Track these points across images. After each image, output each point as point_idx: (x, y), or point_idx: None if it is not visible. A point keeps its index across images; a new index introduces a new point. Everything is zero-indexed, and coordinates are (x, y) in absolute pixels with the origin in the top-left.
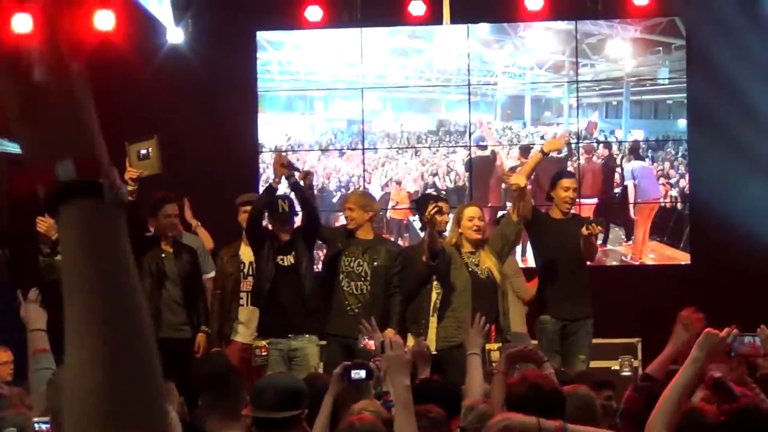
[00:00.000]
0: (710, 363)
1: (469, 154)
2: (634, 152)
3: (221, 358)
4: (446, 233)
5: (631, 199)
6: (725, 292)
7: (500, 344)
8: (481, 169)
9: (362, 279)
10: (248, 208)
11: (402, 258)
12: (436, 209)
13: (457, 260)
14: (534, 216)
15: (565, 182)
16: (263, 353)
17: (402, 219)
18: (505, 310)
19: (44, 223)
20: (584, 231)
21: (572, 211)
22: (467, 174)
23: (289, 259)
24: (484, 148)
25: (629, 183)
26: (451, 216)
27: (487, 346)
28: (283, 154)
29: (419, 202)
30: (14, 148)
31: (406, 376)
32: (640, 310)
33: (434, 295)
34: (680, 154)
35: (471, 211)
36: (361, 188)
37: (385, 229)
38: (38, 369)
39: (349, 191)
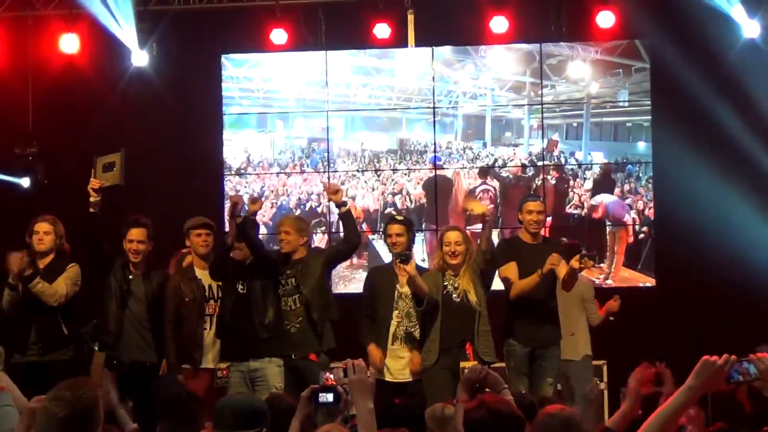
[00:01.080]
0: (708, 391)
1: (435, 175)
2: (605, 182)
3: (176, 382)
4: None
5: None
6: (690, 315)
7: (475, 363)
8: (439, 189)
9: (295, 292)
10: (199, 231)
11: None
12: (399, 260)
13: (439, 286)
14: (500, 245)
15: (530, 205)
16: (224, 375)
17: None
18: (480, 331)
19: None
20: (575, 265)
21: (543, 236)
22: (424, 194)
23: (245, 287)
24: (443, 168)
25: (599, 206)
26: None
27: (462, 364)
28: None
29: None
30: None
31: (370, 399)
32: (606, 333)
33: (394, 324)
34: (641, 176)
35: (449, 236)
36: (322, 206)
37: None
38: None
39: (284, 215)
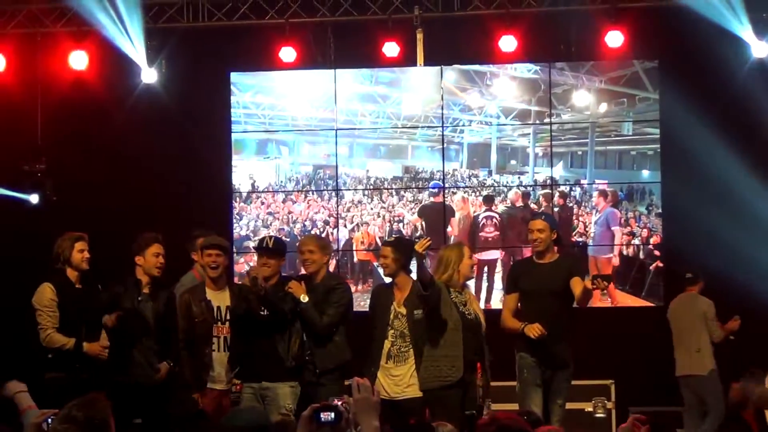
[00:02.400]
0: None
1: (444, 200)
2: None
3: (191, 402)
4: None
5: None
6: None
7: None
8: (437, 215)
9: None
10: (210, 252)
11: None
12: (429, 243)
13: (446, 298)
14: (510, 269)
15: (530, 224)
16: (237, 390)
17: (367, 262)
18: (485, 351)
19: None
20: (589, 285)
21: (560, 253)
22: (419, 221)
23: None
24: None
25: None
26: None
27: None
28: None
29: (398, 244)
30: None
31: (375, 417)
32: (614, 352)
33: (387, 344)
34: (647, 203)
35: (468, 251)
36: (326, 233)
37: (349, 274)
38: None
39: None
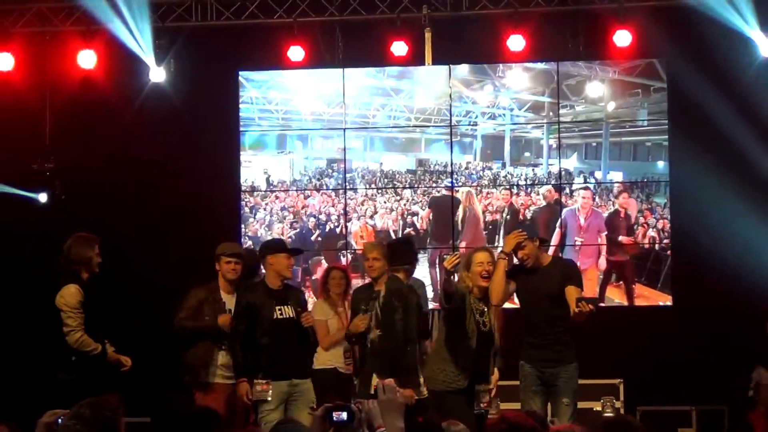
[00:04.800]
0: None
1: (451, 193)
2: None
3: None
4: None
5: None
6: (706, 334)
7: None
8: (446, 208)
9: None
10: (229, 259)
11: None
12: (458, 260)
13: (468, 305)
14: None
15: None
16: (264, 389)
17: None
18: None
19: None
20: (574, 310)
21: (549, 258)
22: (430, 213)
23: (287, 311)
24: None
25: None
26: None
27: (477, 387)
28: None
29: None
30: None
31: (399, 418)
32: (623, 351)
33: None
34: (661, 195)
35: (481, 256)
36: (341, 227)
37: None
38: None
39: (366, 242)
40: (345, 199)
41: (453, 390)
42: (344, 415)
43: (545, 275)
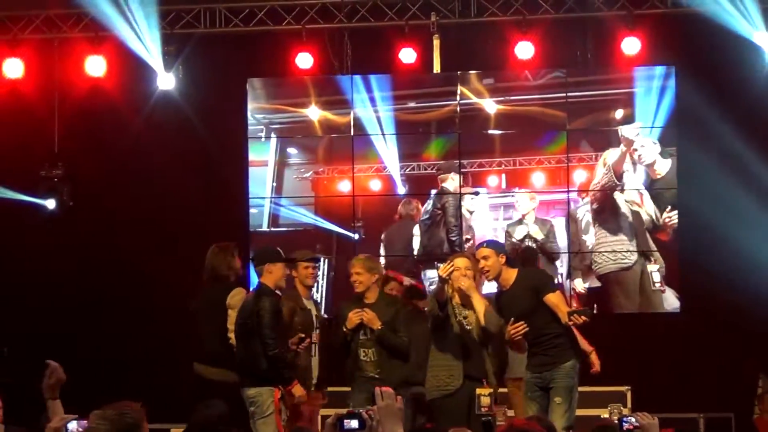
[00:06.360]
0: None
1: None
2: None
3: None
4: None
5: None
6: (714, 341)
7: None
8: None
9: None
10: (307, 264)
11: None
12: (452, 268)
13: (450, 309)
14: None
15: (476, 254)
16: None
17: None
18: (487, 370)
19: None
20: (566, 322)
21: (514, 273)
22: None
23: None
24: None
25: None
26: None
27: (478, 391)
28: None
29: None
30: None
31: (399, 425)
32: (631, 358)
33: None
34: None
35: (459, 262)
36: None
37: None
38: None
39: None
40: (353, 205)
41: (448, 393)
42: (355, 423)
43: (512, 295)
